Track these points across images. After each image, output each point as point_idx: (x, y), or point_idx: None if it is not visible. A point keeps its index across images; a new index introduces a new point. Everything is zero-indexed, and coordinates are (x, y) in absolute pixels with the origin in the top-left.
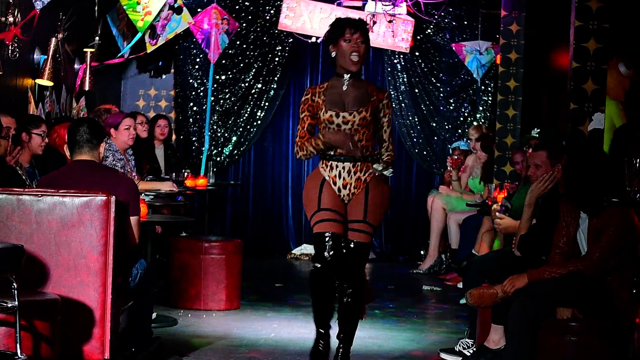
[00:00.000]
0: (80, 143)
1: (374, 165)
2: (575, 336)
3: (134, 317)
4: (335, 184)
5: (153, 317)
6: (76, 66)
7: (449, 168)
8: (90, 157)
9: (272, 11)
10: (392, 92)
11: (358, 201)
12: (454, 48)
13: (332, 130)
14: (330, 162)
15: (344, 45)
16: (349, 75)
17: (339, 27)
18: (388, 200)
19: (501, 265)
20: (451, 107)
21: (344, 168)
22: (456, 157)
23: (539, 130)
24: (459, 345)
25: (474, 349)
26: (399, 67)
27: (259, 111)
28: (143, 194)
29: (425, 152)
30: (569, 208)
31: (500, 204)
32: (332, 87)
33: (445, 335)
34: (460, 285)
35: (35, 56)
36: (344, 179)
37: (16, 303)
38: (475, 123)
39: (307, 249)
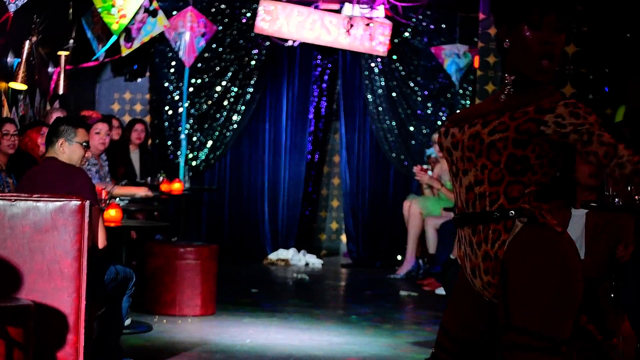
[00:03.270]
0: (47, 142)
1: None
2: None
3: (108, 322)
4: None
5: (128, 323)
6: (50, 69)
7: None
8: (52, 154)
9: (248, 14)
10: (369, 96)
11: None
12: (432, 51)
13: None
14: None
15: None
16: None
17: None
18: None
19: None
20: (429, 111)
21: None
22: (425, 166)
23: None
24: None
25: None
26: (377, 70)
27: (235, 115)
28: (118, 199)
29: (402, 157)
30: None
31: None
32: None
33: (423, 341)
34: (438, 290)
35: (8, 59)
36: None
37: None
38: None
39: (283, 254)
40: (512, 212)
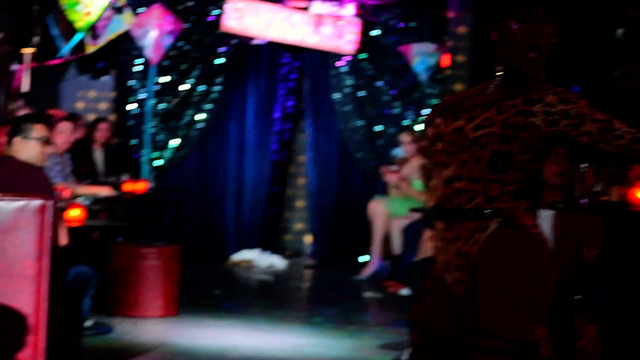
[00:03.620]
0: (7, 142)
1: None
2: None
3: (69, 323)
4: None
5: (89, 324)
6: (14, 67)
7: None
8: (9, 152)
9: (215, 12)
10: (336, 96)
11: None
12: (401, 50)
13: None
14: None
15: None
16: None
17: None
18: None
19: None
20: (396, 111)
21: None
22: (392, 167)
23: None
24: (406, 354)
25: None
26: (344, 69)
27: (201, 114)
28: (81, 198)
29: (369, 157)
30: None
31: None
32: None
33: (387, 343)
34: (403, 292)
35: None
36: None
37: None
38: (419, 127)
39: (247, 254)
40: (488, 211)
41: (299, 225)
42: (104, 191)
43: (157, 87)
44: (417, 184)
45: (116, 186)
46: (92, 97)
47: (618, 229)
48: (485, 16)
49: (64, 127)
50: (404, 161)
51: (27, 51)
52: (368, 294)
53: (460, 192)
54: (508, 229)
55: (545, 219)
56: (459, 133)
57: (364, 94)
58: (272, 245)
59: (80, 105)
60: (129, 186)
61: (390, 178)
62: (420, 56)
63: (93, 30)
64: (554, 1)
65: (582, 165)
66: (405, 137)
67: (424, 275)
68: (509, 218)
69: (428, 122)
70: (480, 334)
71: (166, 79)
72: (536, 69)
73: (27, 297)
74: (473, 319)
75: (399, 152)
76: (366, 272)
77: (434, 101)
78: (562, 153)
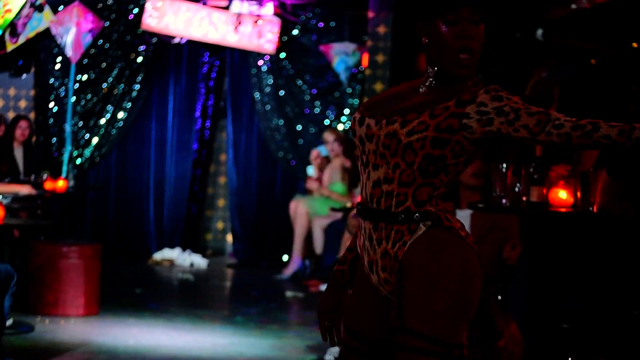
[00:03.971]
0: None
1: None
2: None
3: None
4: None
5: (9, 324)
6: None
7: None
8: None
9: (136, 10)
10: (256, 95)
11: None
12: (321, 50)
13: None
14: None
15: None
16: None
17: None
18: None
19: None
20: (317, 110)
21: None
22: (310, 171)
23: None
24: (329, 354)
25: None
26: (265, 69)
27: (121, 112)
28: (0, 197)
29: (289, 156)
30: None
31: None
32: None
33: (309, 343)
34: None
35: None
36: None
37: None
38: (339, 127)
39: (168, 253)
40: (417, 215)
41: (220, 224)
42: (24, 189)
43: (77, 85)
44: (337, 186)
45: (36, 184)
46: (11, 95)
47: (538, 229)
48: (415, 21)
49: None
50: (327, 160)
51: None
52: (289, 293)
53: (390, 194)
54: (437, 231)
55: (463, 219)
56: (393, 137)
57: (284, 93)
58: (193, 244)
59: (0, 103)
60: (49, 184)
61: (312, 186)
62: (341, 56)
63: (13, 27)
64: (479, 2)
65: (502, 166)
66: (328, 136)
67: None
68: (438, 221)
69: (358, 121)
70: (407, 334)
71: (86, 77)
72: (468, 70)
73: None
74: (399, 319)
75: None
76: (288, 271)
77: (354, 101)
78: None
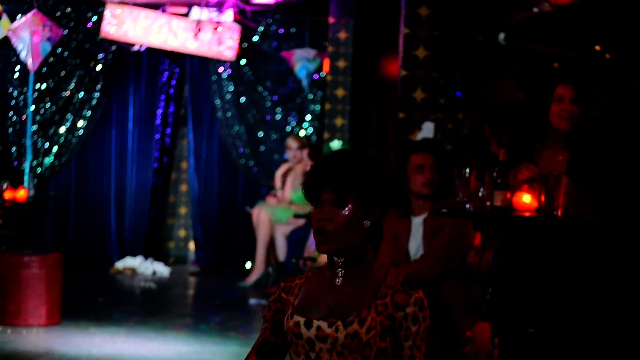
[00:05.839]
0: None
1: None
2: None
3: None
4: None
5: None
6: None
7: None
8: None
9: (94, 18)
10: (217, 102)
11: None
12: (282, 56)
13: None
14: None
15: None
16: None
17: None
18: None
19: None
20: (278, 117)
21: None
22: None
23: (340, 141)
24: None
25: None
26: (225, 75)
27: (81, 121)
28: None
29: (251, 163)
30: (396, 219)
31: None
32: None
33: None
34: None
35: None
36: None
37: None
38: (301, 133)
39: (130, 262)
40: None
41: (182, 232)
42: None
43: (36, 94)
44: (297, 195)
45: None
46: None
47: (504, 234)
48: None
49: None
50: (289, 169)
51: None
52: (253, 301)
53: None
54: None
55: (418, 226)
56: (354, 337)
57: (245, 100)
58: (155, 252)
59: None
60: (9, 194)
61: (271, 202)
62: (302, 62)
63: None
64: (342, 185)
65: (465, 170)
66: (292, 143)
67: None
68: None
69: (304, 324)
70: None
71: (45, 85)
72: (326, 247)
73: None
74: None
75: (286, 156)
76: (251, 279)
77: (316, 107)
78: (427, 165)
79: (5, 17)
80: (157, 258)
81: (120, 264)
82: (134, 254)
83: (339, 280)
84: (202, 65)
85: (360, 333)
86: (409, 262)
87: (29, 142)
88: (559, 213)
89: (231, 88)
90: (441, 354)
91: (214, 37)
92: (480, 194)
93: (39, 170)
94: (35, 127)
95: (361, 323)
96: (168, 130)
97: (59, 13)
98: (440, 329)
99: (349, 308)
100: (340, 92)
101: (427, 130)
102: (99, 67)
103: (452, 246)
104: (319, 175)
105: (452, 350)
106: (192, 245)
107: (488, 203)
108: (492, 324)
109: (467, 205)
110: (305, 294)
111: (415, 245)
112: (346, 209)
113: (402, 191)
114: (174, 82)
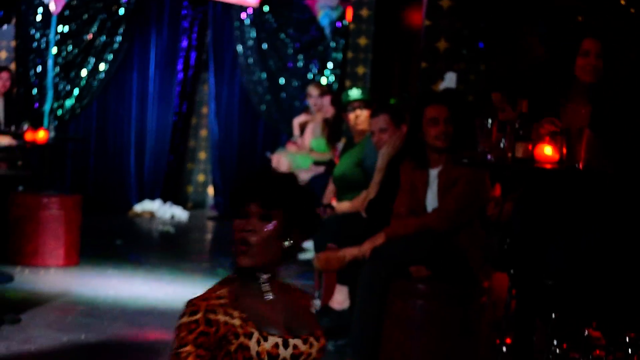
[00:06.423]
0: None
1: None
2: (422, 300)
3: None
4: None
5: None
6: None
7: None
8: None
9: None
10: (239, 48)
11: None
12: (305, 3)
13: None
14: None
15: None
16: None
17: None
18: None
19: (347, 227)
20: (300, 64)
21: None
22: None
23: (359, 89)
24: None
25: (318, 310)
26: (248, 22)
27: (103, 64)
28: None
29: (272, 110)
30: (413, 170)
31: None
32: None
33: None
34: (305, 244)
35: None
36: None
37: None
38: (322, 80)
39: (149, 205)
40: None
41: (201, 177)
42: (5, 140)
43: (58, 37)
44: (316, 143)
45: (17, 135)
46: None
47: (524, 186)
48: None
49: None
50: (310, 118)
51: None
52: None
53: None
54: None
55: (433, 177)
56: (322, 351)
57: (267, 47)
58: (174, 196)
59: None
60: (29, 135)
61: (291, 148)
62: (325, 10)
63: None
64: (270, 199)
65: (487, 121)
66: (313, 90)
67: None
68: None
69: (283, 344)
70: None
71: (67, 28)
72: (248, 261)
73: None
74: None
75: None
76: None
77: (338, 55)
78: (441, 118)
79: None
80: (176, 202)
81: (138, 207)
82: (152, 198)
83: (268, 297)
84: (224, 11)
85: (325, 346)
86: (424, 213)
87: (50, 85)
88: (580, 166)
89: (253, 35)
90: (457, 303)
91: None
92: (501, 145)
93: (59, 112)
94: (57, 70)
95: (318, 338)
96: (189, 75)
97: None
98: (456, 280)
99: (299, 324)
100: (362, 41)
101: (450, 80)
102: (121, 11)
103: (464, 202)
104: (249, 186)
105: (469, 300)
106: (210, 190)
107: (509, 154)
108: (509, 275)
109: (488, 156)
110: (253, 313)
111: (431, 197)
112: (271, 224)
113: (418, 142)
114: (196, 27)
